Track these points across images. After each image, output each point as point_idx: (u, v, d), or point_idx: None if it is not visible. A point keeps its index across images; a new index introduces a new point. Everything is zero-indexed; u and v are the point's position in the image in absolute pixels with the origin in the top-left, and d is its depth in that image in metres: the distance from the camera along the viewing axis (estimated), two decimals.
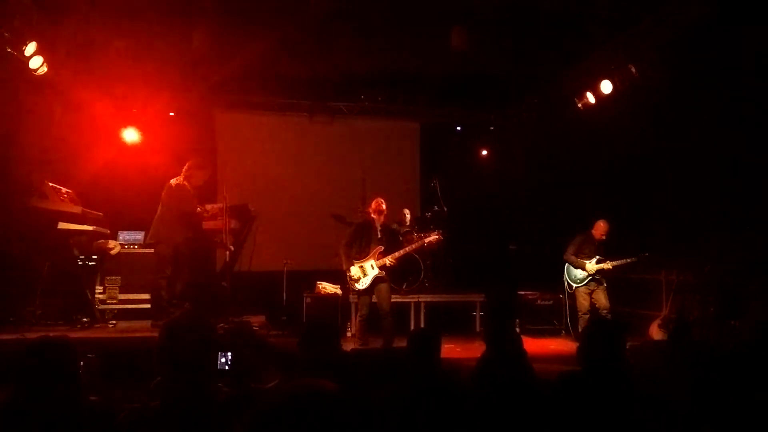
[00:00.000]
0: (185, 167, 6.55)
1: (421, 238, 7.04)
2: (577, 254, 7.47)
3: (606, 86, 7.64)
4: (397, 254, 6.61)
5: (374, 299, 6.66)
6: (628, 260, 7.20)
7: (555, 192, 9.61)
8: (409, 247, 6.81)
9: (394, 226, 8.51)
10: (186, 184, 6.47)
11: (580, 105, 8.23)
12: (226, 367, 2.67)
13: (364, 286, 6.56)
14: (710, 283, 6.80)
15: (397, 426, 2.49)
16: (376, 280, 6.57)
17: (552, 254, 8.25)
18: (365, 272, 6.57)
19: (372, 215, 6.75)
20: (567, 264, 7.65)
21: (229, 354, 2.67)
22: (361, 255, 6.64)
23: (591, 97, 8.04)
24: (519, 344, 3.13)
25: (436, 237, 6.98)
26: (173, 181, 6.47)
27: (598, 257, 7.36)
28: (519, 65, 8.42)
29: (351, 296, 7.31)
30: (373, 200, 6.88)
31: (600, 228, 7.40)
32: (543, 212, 9.76)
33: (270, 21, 7.07)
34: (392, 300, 6.80)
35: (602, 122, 8.15)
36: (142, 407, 2.08)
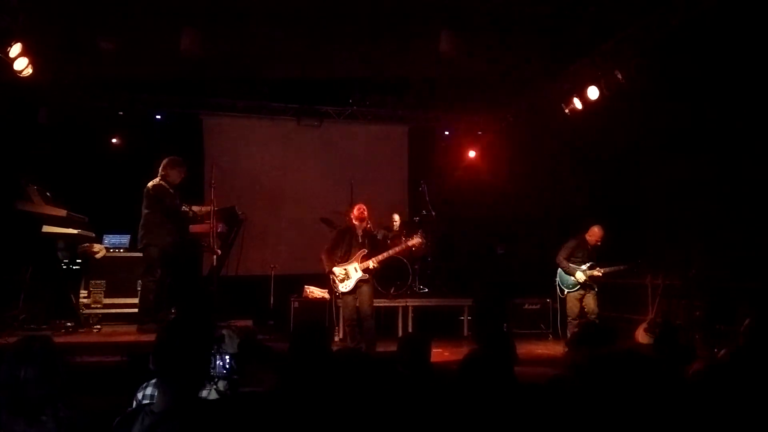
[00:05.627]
0: (160, 167, 6.47)
1: (405, 241, 7.03)
2: (569, 258, 7.41)
3: (593, 92, 7.69)
4: (380, 257, 6.60)
5: (358, 303, 6.65)
6: (620, 267, 7.16)
7: (542, 196, 9.66)
8: (393, 250, 6.79)
9: (383, 231, 8.49)
10: (163, 183, 6.39)
11: (567, 111, 8.28)
12: (224, 371, 2.61)
13: (348, 289, 6.55)
14: (696, 288, 6.85)
15: (387, 429, 2.47)
16: (360, 283, 6.57)
17: (539, 258, 8.26)
18: (348, 275, 6.56)
19: (353, 221, 6.73)
20: (559, 268, 7.63)
21: (227, 357, 2.61)
22: (344, 259, 6.64)
23: (578, 103, 8.09)
24: (512, 348, 3.14)
25: (419, 240, 6.97)
26: (151, 184, 6.39)
27: (590, 263, 7.28)
28: (507, 70, 8.46)
29: (338, 301, 7.29)
30: (355, 206, 6.86)
31: (595, 233, 7.29)
32: (530, 216, 9.81)
33: (259, 24, 7.06)
34: (381, 305, 6.76)
35: (589, 128, 8.21)
36: (135, 410, 2.04)
